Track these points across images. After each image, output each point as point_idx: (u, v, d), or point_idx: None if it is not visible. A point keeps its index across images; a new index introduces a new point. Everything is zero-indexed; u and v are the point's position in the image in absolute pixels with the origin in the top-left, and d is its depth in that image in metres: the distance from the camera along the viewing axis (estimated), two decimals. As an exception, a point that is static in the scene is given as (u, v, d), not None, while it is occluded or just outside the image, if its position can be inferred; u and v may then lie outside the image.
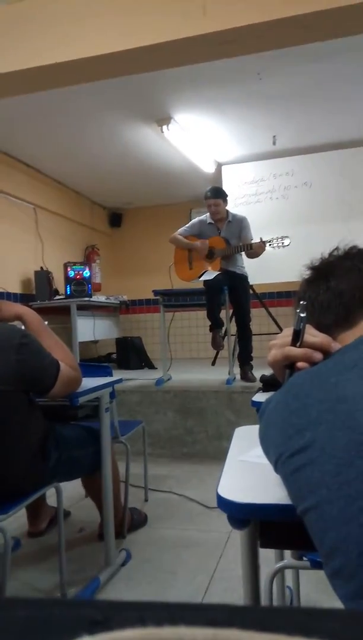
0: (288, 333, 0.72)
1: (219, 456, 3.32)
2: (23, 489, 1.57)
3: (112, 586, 1.78)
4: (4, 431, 1.29)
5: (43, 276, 4.65)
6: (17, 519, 2.15)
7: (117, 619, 0.15)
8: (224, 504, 0.67)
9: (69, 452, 1.71)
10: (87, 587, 1.71)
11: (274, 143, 4.55)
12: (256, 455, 0.83)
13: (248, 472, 0.79)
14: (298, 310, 0.71)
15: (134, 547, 2.05)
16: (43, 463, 1.61)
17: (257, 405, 1.26)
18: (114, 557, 1.88)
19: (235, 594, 1.69)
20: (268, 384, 1.41)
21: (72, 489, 2.54)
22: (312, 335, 0.71)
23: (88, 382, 1.75)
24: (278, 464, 0.60)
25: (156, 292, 3.89)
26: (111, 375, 2.12)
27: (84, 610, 0.16)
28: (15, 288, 4.64)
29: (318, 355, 0.68)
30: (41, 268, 4.79)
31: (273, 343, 0.73)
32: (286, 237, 3.73)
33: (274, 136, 4.43)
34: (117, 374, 2.19)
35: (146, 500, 2.63)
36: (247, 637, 0.14)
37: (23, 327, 1.63)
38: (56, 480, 1.67)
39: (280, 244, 3.73)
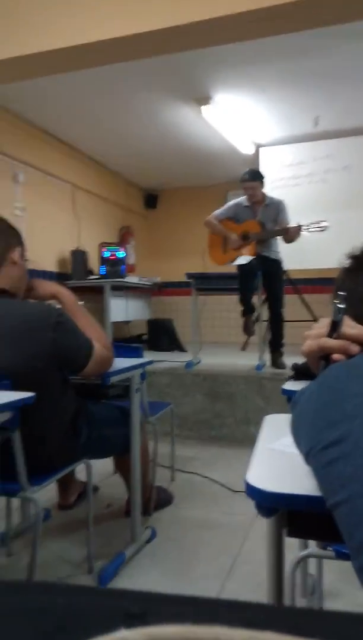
0: (324, 323, 0.70)
1: (246, 441, 3.32)
2: (55, 463, 1.61)
3: (137, 562, 1.82)
4: (38, 407, 1.33)
5: (79, 256, 4.71)
6: (47, 492, 2.22)
7: (154, 613, 0.15)
8: (253, 492, 0.67)
9: (100, 430, 1.75)
10: (113, 561, 1.76)
11: (316, 124, 4.41)
12: (286, 444, 0.83)
13: (278, 460, 0.79)
14: (336, 301, 0.69)
15: (160, 525, 2.10)
16: (74, 439, 1.65)
17: (288, 393, 1.25)
18: (140, 533, 1.93)
19: (257, 577, 1.71)
20: (300, 372, 1.39)
21: (101, 466, 2.60)
22: (350, 326, 0.69)
23: (120, 363, 1.77)
24: (310, 456, 0.59)
25: (189, 275, 3.88)
26: (142, 357, 2.13)
27: (122, 601, 0.16)
28: (52, 266, 4.72)
29: (355, 348, 0.66)
30: (77, 248, 4.84)
31: (309, 333, 0.72)
32: (324, 222, 3.64)
33: (317, 117, 4.29)
34: (147, 355, 2.21)
35: (173, 480, 2.67)
36: (283, 641, 0.14)
37: (59, 306, 1.65)
38: (86, 457, 1.71)
39: (317, 229, 3.65)
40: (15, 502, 2.05)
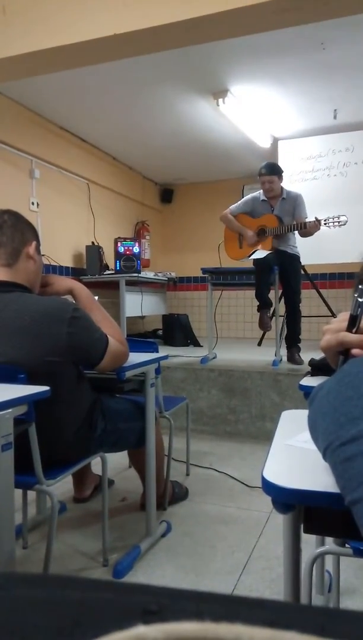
0: (344, 318, 0.69)
1: (261, 437, 3.31)
2: (70, 456, 1.62)
3: (153, 555, 1.83)
4: (54, 400, 1.33)
5: (94, 251, 4.72)
6: (63, 485, 2.24)
7: (172, 609, 0.14)
8: (269, 488, 0.67)
9: (115, 424, 1.75)
10: (128, 554, 1.77)
11: (335, 117, 4.35)
12: (304, 440, 0.82)
13: (295, 456, 0.78)
14: (356, 295, 0.68)
15: (175, 520, 2.10)
16: (90, 433, 1.66)
17: (305, 389, 1.24)
18: (155, 527, 1.93)
19: (273, 573, 1.70)
20: (317, 368, 1.38)
21: (117, 460, 2.62)
22: (370, 321, 0.67)
23: (135, 357, 1.77)
24: (327, 452, 0.58)
25: (204, 270, 3.86)
26: (157, 351, 2.14)
27: (138, 596, 0.15)
28: (68, 262, 4.74)
29: (375, 343, 0.65)
30: (93, 243, 4.86)
31: (328, 328, 0.71)
32: (343, 216, 3.59)
33: (335, 109, 4.23)
34: (162, 350, 2.21)
35: (188, 474, 2.67)
36: (307, 642, 0.13)
37: (73, 301, 1.66)
38: (102, 450, 1.71)
39: (336, 224, 3.60)
40: (31, 494, 2.08)
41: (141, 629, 0.13)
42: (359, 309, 0.67)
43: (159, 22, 2.32)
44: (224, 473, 2.68)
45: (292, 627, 0.14)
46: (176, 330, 5.23)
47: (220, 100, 3.91)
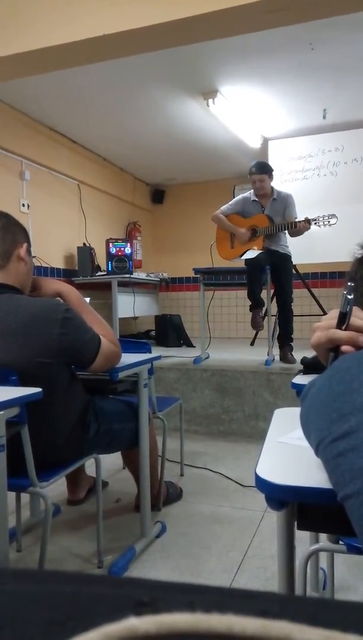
0: (333, 315, 0.70)
1: (255, 436, 3.32)
2: (64, 458, 1.62)
3: (147, 556, 1.83)
4: (47, 402, 1.33)
5: (86, 252, 4.71)
6: (57, 487, 2.23)
7: (164, 601, 0.15)
8: (263, 485, 0.67)
9: (109, 425, 1.75)
10: (123, 555, 1.76)
11: (324, 117, 4.38)
12: (296, 437, 0.82)
13: (288, 453, 0.78)
14: (345, 292, 0.68)
15: (169, 520, 2.10)
16: (83, 434, 1.66)
17: (297, 387, 1.24)
18: (150, 528, 1.93)
19: (267, 572, 1.71)
20: (309, 366, 1.38)
21: (110, 461, 2.61)
22: (359, 318, 0.68)
23: (127, 358, 1.77)
24: (320, 448, 0.59)
25: (196, 270, 3.86)
26: (150, 352, 2.13)
27: (130, 589, 0.15)
28: (59, 263, 4.73)
29: (364, 339, 0.65)
30: (84, 244, 4.85)
31: (318, 325, 0.71)
32: (333, 215, 3.61)
33: (324, 110, 4.26)
34: (155, 351, 2.21)
35: (182, 475, 2.67)
36: (298, 631, 0.13)
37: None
38: (95, 451, 1.71)
39: (327, 223, 3.62)
40: (25, 497, 2.07)
41: (132, 621, 0.13)
42: (348, 306, 0.67)
43: (148, 23, 2.32)
44: (219, 473, 2.68)
45: (283, 616, 0.14)
46: (169, 330, 5.23)
47: (210, 100, 3.92)
